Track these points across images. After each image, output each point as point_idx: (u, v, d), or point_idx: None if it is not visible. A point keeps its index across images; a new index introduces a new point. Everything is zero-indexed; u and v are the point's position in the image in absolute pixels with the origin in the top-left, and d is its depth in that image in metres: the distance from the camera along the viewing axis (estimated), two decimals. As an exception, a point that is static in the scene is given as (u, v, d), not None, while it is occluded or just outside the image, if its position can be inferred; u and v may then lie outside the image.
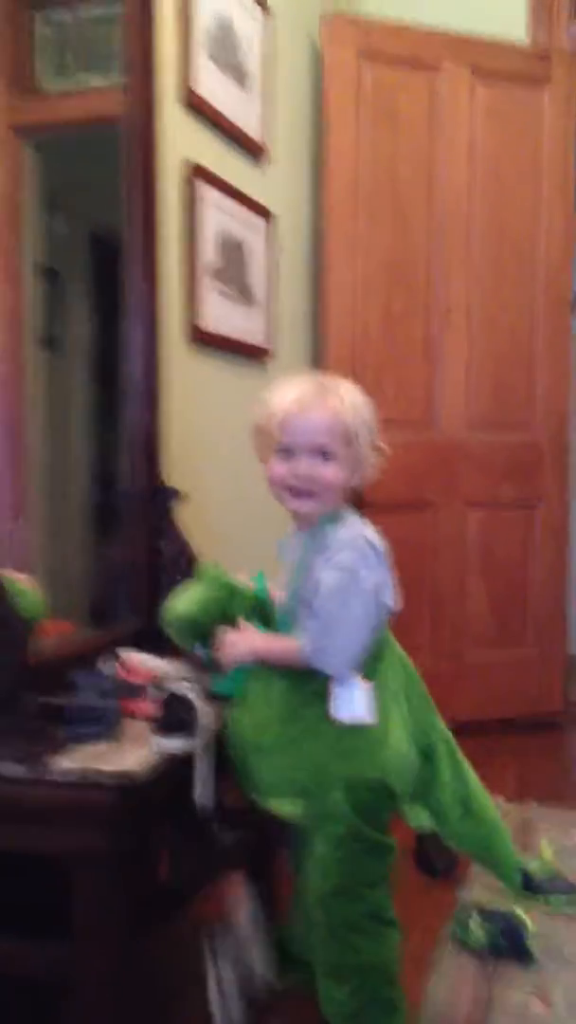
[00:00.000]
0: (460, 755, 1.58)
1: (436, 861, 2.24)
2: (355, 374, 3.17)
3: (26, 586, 1.76)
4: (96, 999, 1.36)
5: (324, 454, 1.49)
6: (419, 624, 3.28)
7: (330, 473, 1.49)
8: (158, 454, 2.06)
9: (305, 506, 1.51)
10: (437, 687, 3.57)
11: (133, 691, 1.62)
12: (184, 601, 1.57)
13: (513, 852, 1.62)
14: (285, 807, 1.50)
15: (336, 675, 1.45)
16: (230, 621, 1.55)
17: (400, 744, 1.48)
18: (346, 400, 1.51)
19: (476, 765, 2.99)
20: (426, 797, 1.54)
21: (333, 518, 1.51)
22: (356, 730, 1.45)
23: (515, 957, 1.84)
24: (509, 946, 1.85)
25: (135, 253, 2.02)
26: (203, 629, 1.56)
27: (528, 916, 1.89)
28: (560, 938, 1.93)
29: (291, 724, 1.48)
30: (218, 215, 2.50)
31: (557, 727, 3.46)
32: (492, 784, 2.78)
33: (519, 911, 1.90)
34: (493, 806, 1.59)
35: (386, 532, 3.62)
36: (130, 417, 2.04)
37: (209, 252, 2.46)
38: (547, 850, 2.16)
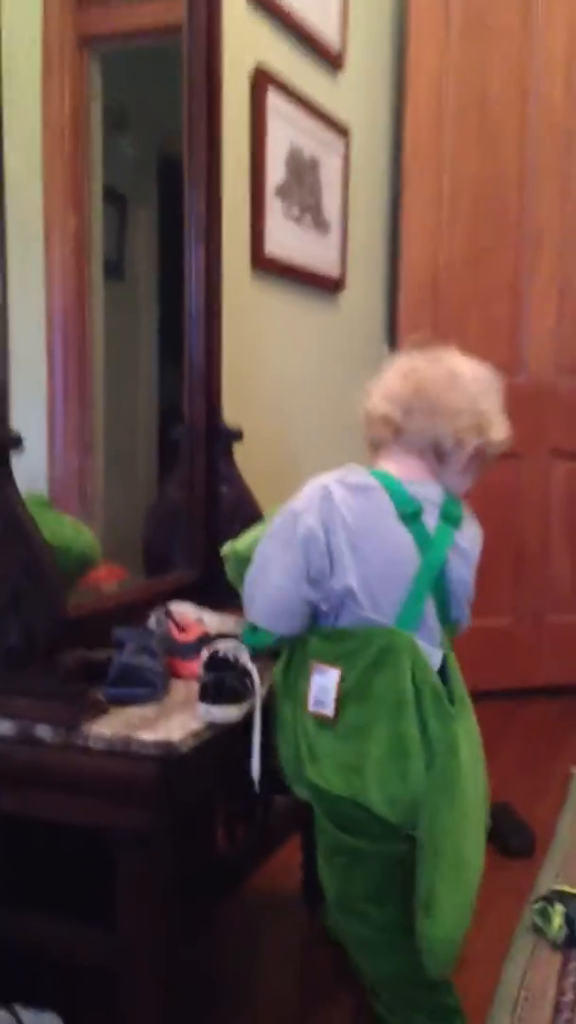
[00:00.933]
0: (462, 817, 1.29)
1: (510, 837, 2.07)
2: (436, 309, 2.93)
3: (80, 527, 1.63)
4: (142, 986, 1.23)
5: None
6: (499, 583, 3.06)
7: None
8: (218, 390, 1.88)
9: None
10: (516, 648, 3.36)
11: (184, 650, 1.47)
12: (246, 538, 1.46)
13: (447, 941, 1.29)
14: (298, 792, 1.37)
15: (259, 624, 1.34)
16: None
17: (383, 764, 1.26)
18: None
19: (557, 731, 2.83)
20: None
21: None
22: (332, 734, 1.29)
23: (601, 953, 1.66)
24: (594, 940, 1.67)
25: (197, 168, 1.82)
26: None
27: (616, 908, 1.71)
28: None
29: (286, 700, 1.36)
30: (288, 129, 2.28)
31: None
32: (570, 753, 2.62)
33: (606, 901, 1.71)
34: (461, 880, 1.29)
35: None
36: (189, 350, 1.87)
37: (278, 170, 2.25)
38: None
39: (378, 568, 1.29)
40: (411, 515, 1.31)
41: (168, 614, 1.52)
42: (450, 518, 1.35)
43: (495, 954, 1.66)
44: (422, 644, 1.29)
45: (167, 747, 1.19)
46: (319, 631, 1.32)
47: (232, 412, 1.93)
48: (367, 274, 2.89)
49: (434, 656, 1.32)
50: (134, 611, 1.58)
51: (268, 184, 2.20)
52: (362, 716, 1.27)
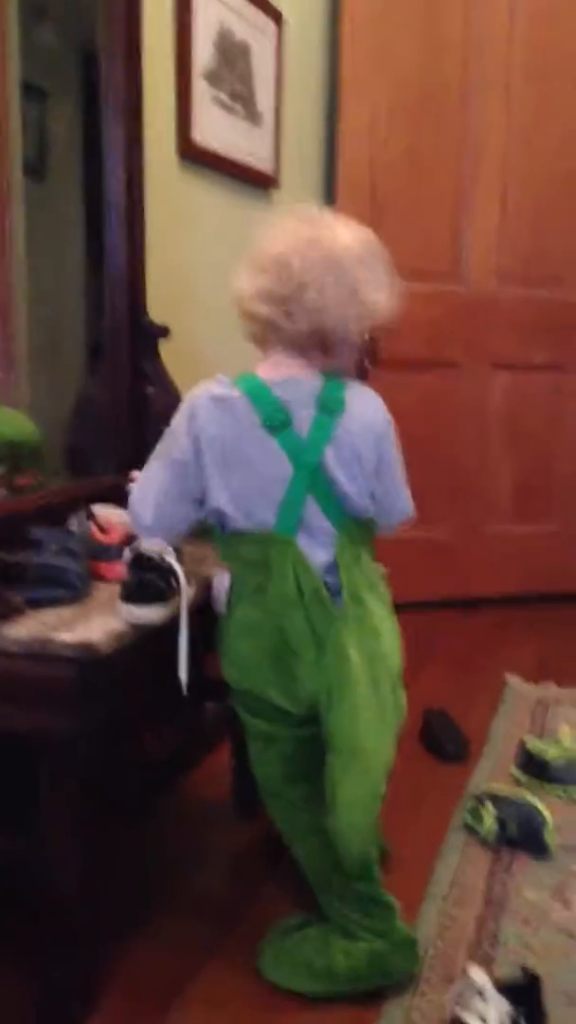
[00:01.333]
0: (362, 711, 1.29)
1: (445, 742, 2.08)
2: (373, 214, 2.83)
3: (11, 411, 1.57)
4: (64, 890, 1.20)
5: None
6: (438, 495, 3.04)
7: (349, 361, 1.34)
8: (142, 284, 1.78)
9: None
10: (454, 560, 3.36)
11: (106, 552, 1.40)
12: None
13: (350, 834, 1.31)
14: None
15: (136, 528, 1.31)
16: None
17: (247, 657, 1.31)
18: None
19: (493, 642, 2.85)
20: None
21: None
22: (229, 629, 1.33)
23: (530, 850, 1.68)
24: (524, 838, 1.68)
25: (114, 38, 1.70)
26: None
27: (545, 807, 1.72)
28: (581, 831, 1.77)
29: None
30: (216, 5, 2.13)
31: (577, 605, 3.27)
32: (510, 663, 2.64)
33: (536, 800, 1.72)
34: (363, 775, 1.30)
35: (404, 392, 3.33)
36: (111, 242, 1.76)
37: (206, 50, 2.11)
38: (567, 736, 1.99)
39: (249, 483, 1.25)
40: (278, 425, 1.24)
41: (90, 515, 1.44)
42: (329, 408, 1.26)
43: (428, 854, 1.67)
44: (303, 545, 1.26)
45: (86, 648, 1.13)
46: (217, 536, 1.32)
47: (161, 311, 1.83)
48: (302, 173, 2.77)
49: (315, 556, 1.27)
50: (56, 513, 1.51)
51: (195, 65, 2.06)
52: (252, 616, 1.28)
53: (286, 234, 1.28)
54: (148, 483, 1.30)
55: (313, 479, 1.25)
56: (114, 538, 1.41)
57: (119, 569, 1.32)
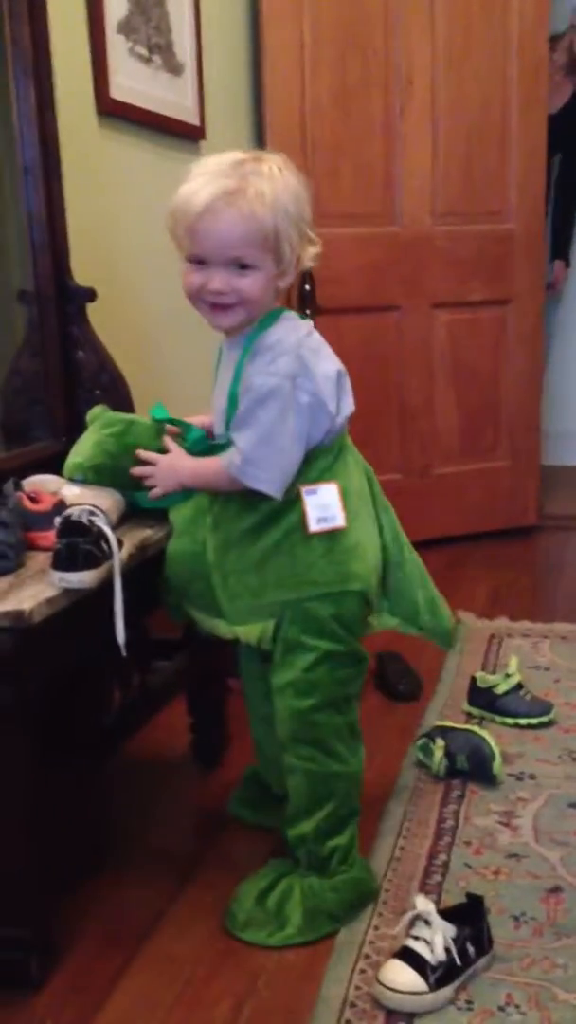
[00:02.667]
0: (409, 552, 1.49)
1: (398, 684, 2.13)
2: (305, 157, 2.81)
3: None
4: (12, 860, 1.23)
5: (241, 265, 1.30)
6: (386, 437, 3.07)
7: (247, 284, 1.31)
8: (64, 247, 1.76)
9: (226, 320, 1.35)
10: (405, 502, 3.41)
11: (38, 521, 1.41)
12: (77, 451, 1.49)
13: (449, 617, 1.57)
14: (254, 632, 1.38)
15: (268, 492, 1.31)
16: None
17: (373, 550, 1.41)
18: (267, 196, 1.27)
19: (447, 581, 2.88)
20: (399, 601, 1.47)
21: (269, 319, 1.35)
22: (330, 541, 1.35)
23: (479, 780, 1.74)
24: (473, 769, 1.74)
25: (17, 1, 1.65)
26: (114, 471, 1.46)
27: (494, 738, 1.77)
28: (527, 760, 1.83)
29: (255, 543, 1.35)
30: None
31: (530, 540, 3.32)
32: (463, 601, 2.69)
33: (484, 733, 1.78)
34: (430, 584, 1.54)
35: (345, 338, 3.34)
36: (29, 208, 1.73)
37: (118, 2, 2.07)
38: (514, 665, 2.04)
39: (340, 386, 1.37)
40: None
41: (17, 485, 1.45)
42: None
43: (382, 793, 1.72)
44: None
45: (17, 617, 1.15)
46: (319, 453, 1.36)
47: (89, 273, 1.82)
48: (230, 121, 2.73)
49: None
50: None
51: (108, 17, 2.01)
52: (350, 512, 1.36)
53: (207, 176, 1.29)
54: (291, 441, 1.30)
55: None
56: (46, 506, 1.42)
57: (52, 537, 1.33)
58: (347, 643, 1.37)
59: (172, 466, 1.43)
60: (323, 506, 1.34)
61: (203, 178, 1.28)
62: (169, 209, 1.32)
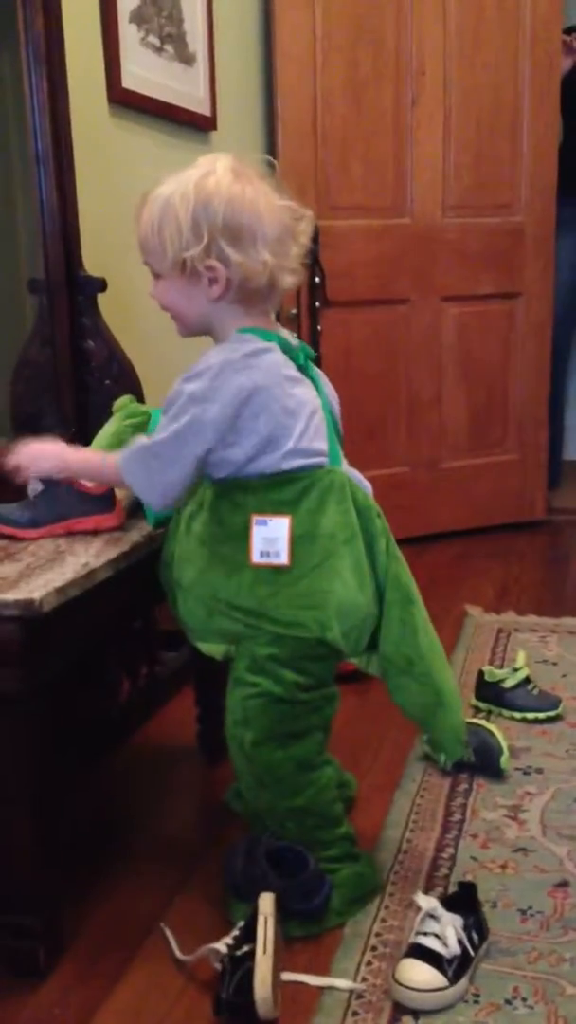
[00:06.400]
0: (417, 612, 1.35)
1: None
2: (316, 150, 2.80)
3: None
4: (19, 848, 1.23)
5: (154, 273, 1.31)
6: (394, 430, 3.05)
7: (158, 292, 1.32)
8: (76, 237, 1.76)
9: (179, 331, 1.36)
10: (413, 496, 3.39)
11: (99, 503, 1.43)
12: (97, 439, 1.49)
13: (459, 728, 1.41)
14: (216, 651, 1.39)
15: (141, 496, 1.31)
16: None
17: (348, 593, 1.28)
18: (160, 199, 1.24)
19: (454, 575, 2.89)
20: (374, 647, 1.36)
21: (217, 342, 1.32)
22: (284, 582, 1.27)
23: (487, 774, 1.73)
24: (481, 763, 1.74)
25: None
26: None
27: (501, 732, 1.77)
28: (534, 755, 1.82)
29: (212, 563, 1.30)
30: None
31: (538, 534, 3.32)
32: (470, 594, 2.69)
33: (491, 727, 1.78)
34: (447, 675, 1.37)
35: (354, 331, 3.33)
36: (41, 197, 1.73)
37: (129, -10, 2.06)
38: (521, 659, 2.04)
39: (306, 420, 1.29)
40: (303, 365, 1.33)
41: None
42: (309, 355, 1.37)
43: (388, 787, 1.72)
44: (352, 476, 1.33)
45: (27, 606, 1.15)
46: (250, 485, 1.28)
47: (99, 263, 1.81)
48: (241, 112, 2.72)
49: (366, 486, 1.35)
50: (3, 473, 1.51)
51: (120, 6, 2.01)
52: (313, 556, 1.27)
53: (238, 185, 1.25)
54: (168, 453, 1.26)
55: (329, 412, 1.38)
56: (102, 488, 1.40)
57: (113, 519, 1.41)
58: (285, 686, 1.30)
59: (54, 446, 1.35)
60: (269, 540, 1.27)
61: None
62: None
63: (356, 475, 1.36)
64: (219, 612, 1.30)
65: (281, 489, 1.28)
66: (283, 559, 1.26)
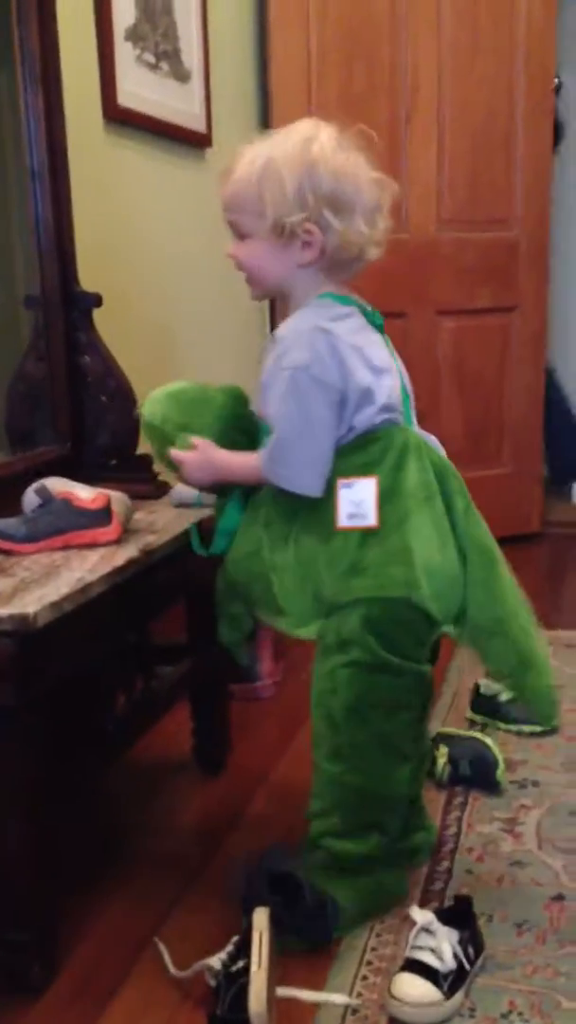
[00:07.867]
0: (503, 571, 1.35)
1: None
2: (311, 165, 2.81)
3: None
4: (15, 861, 1.22)
5: (240, 234, 1.31)
6: (389, 444, 3.06)
7: (242, 252, 1.31)
8: (72, 252, 1.77)
9: (251, 291, 1.36)
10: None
11: (96, 517, 1.42)
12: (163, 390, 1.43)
13: (550, 690, 1.39)
14: (309, 631, 1.34)
15: (301, 491, 1.28)
16: (201, 431, 1.37)
17: (431, 552, 1.27)
18: (259, 159, 1.25)
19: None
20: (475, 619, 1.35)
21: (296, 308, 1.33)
22: (372, 542, 1.27)
23: (483, 787, 1.73)
24: (477, 776, 1.74)
25: (27, 7, 1.66)
26: (172, 431, 1.39)
27: (497, 745, 1.77)
28: (530, 768, 1.82)
29: (300, 539, 1.30)
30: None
31: (534, 547, 3.32)
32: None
33: (488, 740, 1.78)
34: (536, 636, 1.37)
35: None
36: (37, 213, 1.74)
37: (126, 10, 2.08)
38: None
39: (391, 378, 1.32)
40: (379, 325, 1.36)
41: (44, 488, 1.44)
42: (378, 322, 1.38)
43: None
44: (427, 439, 1.36)
45: (22, 620, 1.15)
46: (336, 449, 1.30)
47: (94, 278, 1.82)
48: (236, 129, 2.74)
49: (440, 449, 1.37)
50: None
51: (116, 24, 2.03)
52: (397, 513, 1.27)
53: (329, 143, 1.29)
54: (313, 433, 1.27)
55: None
56: (100, 503, 1.41)
57: (110, 533, 1.40)
58: (376, 654, 1.28)
59: (207, 458, 1.36)
60: (356, 502, 1.27)
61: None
62: None
63: (431, 438, 1.37)
64: (318, 581, 1.29)
65: (364, 450, 1.29)
66: (371, 520, 1.26)
